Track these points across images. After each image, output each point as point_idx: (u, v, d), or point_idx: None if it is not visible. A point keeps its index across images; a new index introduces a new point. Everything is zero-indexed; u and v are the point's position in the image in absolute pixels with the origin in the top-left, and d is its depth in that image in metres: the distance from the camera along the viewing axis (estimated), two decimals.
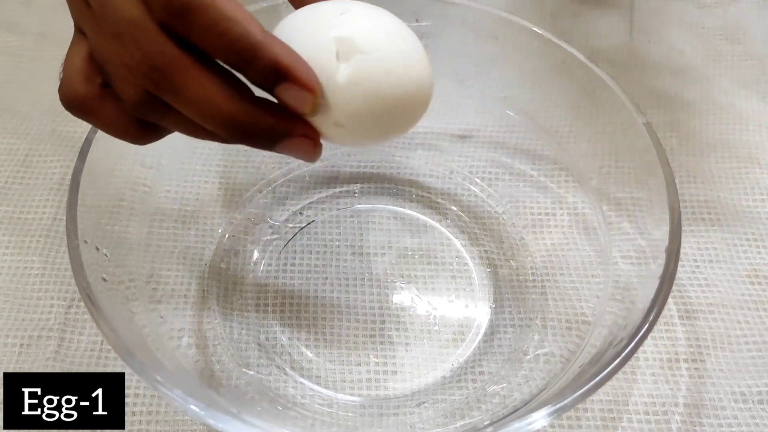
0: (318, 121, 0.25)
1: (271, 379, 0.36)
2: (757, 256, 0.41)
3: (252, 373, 0.36)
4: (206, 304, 0.38)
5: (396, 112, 0.25)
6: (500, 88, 0.44)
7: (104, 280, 0.32)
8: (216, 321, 0.38)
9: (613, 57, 0.52)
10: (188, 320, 0.38)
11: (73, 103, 0.26)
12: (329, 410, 0.35)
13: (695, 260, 0.41)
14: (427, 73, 0.26)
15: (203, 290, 0.39)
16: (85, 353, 0.36)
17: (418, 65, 0.25)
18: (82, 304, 0.38)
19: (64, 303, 0.38)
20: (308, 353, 0.37)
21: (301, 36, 0.24)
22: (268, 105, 0.24)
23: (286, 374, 0.36)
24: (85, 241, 0.31)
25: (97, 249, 0.32)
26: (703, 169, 0.45)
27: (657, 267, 0.32)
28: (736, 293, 0.39)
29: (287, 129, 0.24)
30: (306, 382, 0.36)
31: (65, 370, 0.36)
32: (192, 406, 0.27)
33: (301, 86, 0.23)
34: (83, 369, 0.36)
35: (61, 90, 0.26)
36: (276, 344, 0.38)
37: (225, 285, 0.40)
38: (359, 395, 0.36)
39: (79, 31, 0.26)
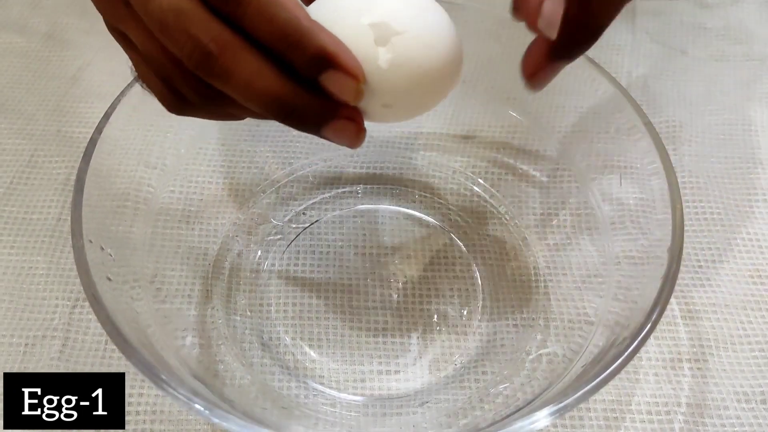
0: (365, 106, 0.25)
1: (275, 378, 0.36)
2: (760, 256, 0.41)
3: (255, 372, 0.36)
4: (210, 304, 0.39)
5: (438, 82, 0.26)
6: (503, 88, 0.44)
7: (109, 279, 0.32)
8: (219, 321, 0.38)
9: (616, 57, 0.52)
10: (192, 320, 0.38)
11: (177, 110, 0.26)
12: (332, 410, 0.35)
13: (698, 260, 0.41)
14: (457, 36, 0.27)
15: (207, 290, 0.39)
16: (90, 353, 0.37)
17: (449, 32, 0.26)
18: (86, 303, 0.38)
19: (68, 303, 0.38)
20: (311, 353, 0.38)
21: (333, 24, 0.24)
22: (315, 88, 0.24)
23: (289, 374, 0.37)
24: (90, 241, 0.31)
25: (102, 249, 0.32)
26: (705, 170, 0.45)
27: (659, 267, 0.32)
28: (739, 293, 0.39)
29: (333, 111, 0.24)
30: (309, 381, 0.36)
31: (70, 370, 0.36)
32: (197, 406, 0.27)
33: (345, 73, 0.23)
34: (87, 369, 0.36)
35: (162, 104, 0.27)
36: (279, 344, 0.38)
37: (228, 285, 0.40)
38: (362, 395, 0.36)
39: (120, 36, 0.26)
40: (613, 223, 0.38)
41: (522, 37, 0.30)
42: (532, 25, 0.29)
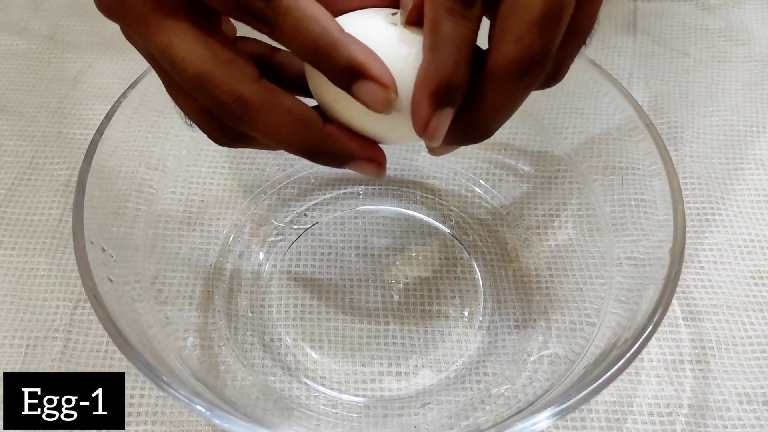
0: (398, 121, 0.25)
1: (276, 379, 0.36)
2: (762, 257, 0.41)
3: (257, 373, 0.36)
4: (211, 305, 0.39)
5: None
6: None
7: (110, 281, 0.32)
8: (221, 322, 0.38)
9: (617, 59, 0.52)
10: (193, 321, 0.38)
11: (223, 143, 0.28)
12: (334, 411, 0.35)
13: (699, 261, 0.41)
14: None
15: (208, 291, 0.39)
16: (91, 354, 0.37)
17: None
18: (87, 305, 0.38)
19: (70, 304, 0.38)
20: (313, 354, 0.38)
21: (365, 35, 0.24)
22: (336, 132, 0.26)
23: (290, 375, 0.37)
24: (92, 242, 0.31)
25: (103, 250, 0.32)
26: (707, 171, 0.45)
27: (661, 268, 0.32)
28: (741, 294, 0.39)
29: (353, 153, 0.26)
30: (310, 382, 0.36)
31: (71, 371, 0.36)
32: (198, 407, 0.27)
33: (375, 82, 0.24)
34: (89, 370, 0.36)
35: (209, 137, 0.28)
36: (281, 345, 0.38)
37: (230, 286, 0.40)
38: (363, 396, 0.36)
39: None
40: (614, 224, 0.38)
41: None
42: None
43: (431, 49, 0.23)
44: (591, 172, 0.40)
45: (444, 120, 0.24)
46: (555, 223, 0.42)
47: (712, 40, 0.54)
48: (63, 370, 0.36)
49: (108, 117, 0.35)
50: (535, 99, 0.42)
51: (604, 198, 0.39)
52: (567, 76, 0.32)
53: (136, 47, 0.27)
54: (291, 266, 0.41)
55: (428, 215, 0.43)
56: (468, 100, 0.24)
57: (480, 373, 0.37)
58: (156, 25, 0.24)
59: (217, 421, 0.27)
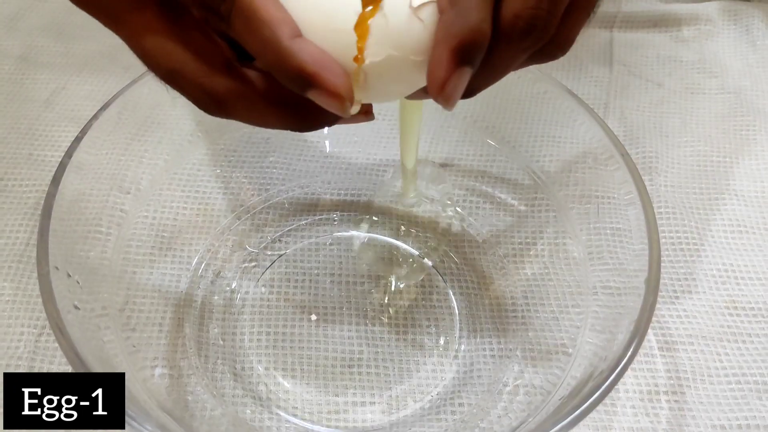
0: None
1: (247, 410, 0.35)
2: (736, 287, 0.41)
3: (227, 403, 0.35)
4: (181, 333, 0.38)
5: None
6: (482, 117, 0.44)
7: (76, 308, 0.31)
8: (191, 350, 0.37)
9: (593, 89, 0.53)
10: (162, 349, 0.37)
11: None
12: None
13: (674, 291, 0.41)
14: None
15: (179, 318, 0.38)
16: None
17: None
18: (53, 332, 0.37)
19: (34, 331, 0.37)
20: (285, 383, 0.37)
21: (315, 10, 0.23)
22: (307, 106, 0.24)
23: (262, 405, 0.36)
24: (56, 268, 0.30)
25: (69, 276, 0.32)
26: (681, 201, 0.45)
27: (637, 298, 0.31)
28: (715, 324, 0.39)
29: (333, 116, 0.24)
30: (282, 413, 0.36)
31: None
32: None
33: (330, 96, 0.22)
34: None
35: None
36: (252, 374, 0.37)
37: (201, 313, 0.39)
38: (336, 427, 0.35)
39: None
40: (590, 253, 0.38)
41: None
42: None
43: (453, 1, 0.22)
44: (567, 201, 0.40)
45: (463, 81, 0.22)
46: (531, 252, 0.42)
47: (685, 72, 0.54)
48: None
49: (78, 139, 0.34)
50: (512, 127, 0.43)
51: (580, 227, 0.39)
52: (545, 104, 0.32)
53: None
54: (264, 293, 0.40)
55: (404, 242, 0.43)
56: None
57: (455, 403, 0.36)
58: (127, 19, 0.24)
59: None
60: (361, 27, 0.23)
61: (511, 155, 0.43)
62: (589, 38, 0.57)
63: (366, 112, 0.26)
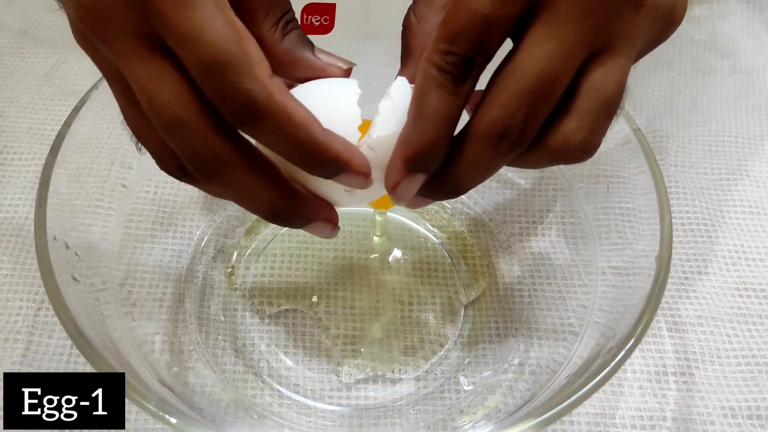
0: (330, 192, 0.27)
1: (248, 386, 0.35)
2: (746, 268, 0.40)
3: (228, 379, 0.35)
4: (182, 309, 0.37)
5: None
6: None
7: (75, 280, 0.31)
8: (192, 326, 0.37)
9: None
10: (163, 325, 0.36)
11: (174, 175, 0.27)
12: (308, 419, 0.34)
13: (683, 272, 0.40)
14: None
15: (179, 294, 0.38)
16: (54, 357, 0.35)
17: None
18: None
19: (33, 305, 0.37)
20: (287, 360, 0.36)
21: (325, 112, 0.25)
22: (298, 195, 0.26)
23: (263, 382, 0.35)
24: (54, 238, 0.30)
25: (68, 247, 0.31)
26: (692, 181, 0.44)
27: (646, 278, 0.31)
28: (725, 306, 0.39)
29: (314, 215, 0.27)
30: (284, 390, 0.35)
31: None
32: (166, 416, 0.26)
33: (357, 174, 0.25)
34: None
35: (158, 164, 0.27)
36: (253, 351, 0.36)
37: (202, 289, 0.39)
38: (338, 404, 0.35)
39: (115, 77, 0.25)
40: (599, 233, 0.37)
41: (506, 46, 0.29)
42: None
43: (415, 118, 0.24)
44: (575, 180, 0.39)
45: (414, 184, 0.25)
46: (538, 231, 0.41)
47: (697, 51, 0.53)
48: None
49: (76, 109, 0.33)
50: None
51: (588, 205, 0.38)
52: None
53: (98, 63, 0.25)
54: (266, 269, 0.40)
55: (409, 218, 0.42)
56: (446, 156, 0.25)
57: (459, 381, 0.36)
58: (139, 57, 0.23)
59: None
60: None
61: None
62: None
63: (334, 225, 0.28)
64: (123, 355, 0.31)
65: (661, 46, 0.54)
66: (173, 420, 0.26)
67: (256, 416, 0.34)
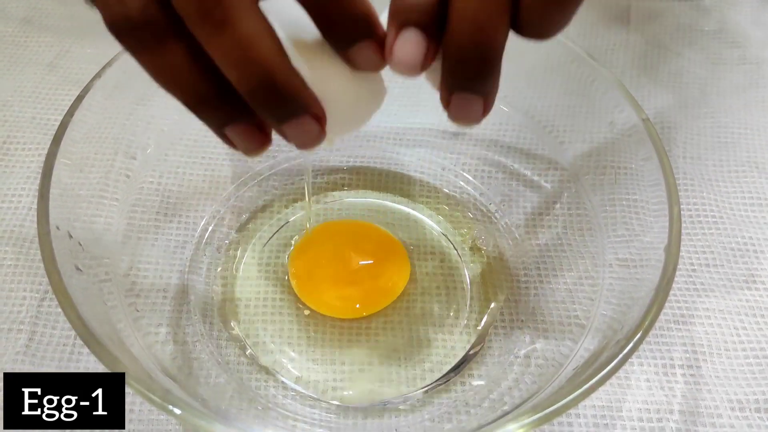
0: None
1: (252, 377, 0.35)
2: (755, 260, 0.40)
3: (232, 370, 0.35)
4: (186, 300, 0.37)
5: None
6: None
7: (78, 269, 0.31)
8: (196, 317, 0.37)
9: (610, 57, 0.51)
10: (166, 315, 0.36)
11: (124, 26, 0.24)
12: (311, 411, 0.34)
13: (692, 264, 0.40)
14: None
15: (184, 285, 0.38)
16: (57, 348, 0.35)
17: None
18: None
19: (36, 295, 0.37)
20: (291, 352, 0.36)
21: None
22: (296, 73, 0.23)
23: (267, 373, 0.35)
24: (57, 228, 0.29)
25: (71, 236, 0.31)
26: (700, 172, 0.44)
27: (654, 270, 0.30)
28: (734, 299, 0.38)
29: (307, 104, 0.23)
30: (288, 381, 0.35)
31: (36, 365, 0.34)
32: (169, 407, 0.25)
33: (313, 119, 0.23)
34: (54, 364, 0.34)
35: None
36: (258, 342, 0.36)
37: (206, 279, 0.38)
38: (343, 397, 0.35)
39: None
40: (606, 224, 0.37)
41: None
42: None
43: None
44: (583, 170, 0.39)
45: (409, 43, 0.22)
46: (544, 222, 0.41)
47: (706, 41, 0.53)
48: (27, 365, 0.34)
49: (80, 98, 0.33)
50: (528, 94, 0.42)
51: (595, 197, 0.38)
52: (563, 71, 0.30)
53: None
54: (270, 259, 0.39)
55: (415, 209, 0.42)
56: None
57: (465, 374, 0.35)
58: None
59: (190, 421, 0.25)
60: None
61: (525, 123, 0.42)
62: (606, 6, 0.55)
63: (322, 128, 0.24)
64: (126, 346, 0.30)
65: (670, 35, 0.53)
66: (177, 411, 0.25)
67: (260, 408, 0.33)
